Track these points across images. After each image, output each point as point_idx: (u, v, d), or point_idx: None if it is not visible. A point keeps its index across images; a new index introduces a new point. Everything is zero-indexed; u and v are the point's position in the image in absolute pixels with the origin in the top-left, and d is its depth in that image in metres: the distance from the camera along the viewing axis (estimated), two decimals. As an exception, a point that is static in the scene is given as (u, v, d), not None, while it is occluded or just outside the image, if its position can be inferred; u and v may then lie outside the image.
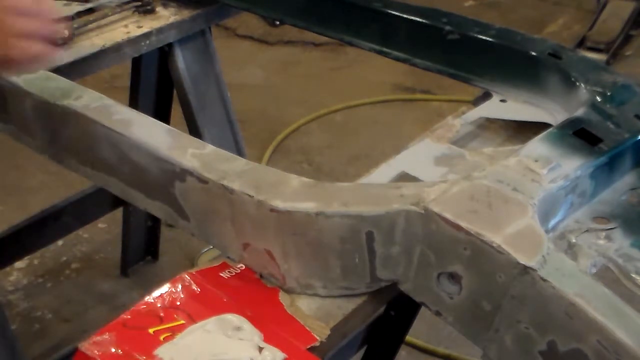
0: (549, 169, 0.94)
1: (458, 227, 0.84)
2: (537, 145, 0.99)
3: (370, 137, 3.16)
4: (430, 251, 0.88)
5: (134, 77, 2.01)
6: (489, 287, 0.83)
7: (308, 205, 0.90)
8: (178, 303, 0.92)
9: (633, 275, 0.89)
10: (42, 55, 0.86)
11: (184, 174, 0.99)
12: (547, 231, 0.91)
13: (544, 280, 0.78)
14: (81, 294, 2.41)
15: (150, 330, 0.88)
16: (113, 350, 0.85)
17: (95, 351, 0.85)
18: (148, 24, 1.62)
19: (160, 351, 0.84)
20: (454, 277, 0.86)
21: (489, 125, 1.22)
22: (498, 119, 1.22)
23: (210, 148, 1.03)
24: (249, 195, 0.92)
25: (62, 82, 1.22)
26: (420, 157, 1.12)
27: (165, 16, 1.66)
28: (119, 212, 2.31)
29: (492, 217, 0.85)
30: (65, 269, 2.51)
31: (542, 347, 0.80)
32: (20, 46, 0.83)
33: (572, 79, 1.16)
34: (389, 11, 1.37)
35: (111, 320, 0.89)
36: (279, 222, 0.91)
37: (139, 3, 1.65)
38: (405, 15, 1.35)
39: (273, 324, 0.89)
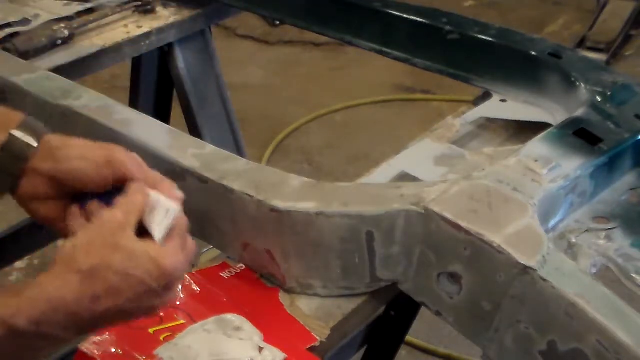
0: (549, 169, 0.94)
1: (458, 227, 0.84)
2: (537, 145, 0.99)
3: (370, 137, 3.16)
4: (430, 251, 0.88)
5: (134, 77, 2.01)
6: (489, 287, 0.83)
7: (308, 205, 0.90)
8: (178, 303, 0.92)
9: (633, 275, 0.89)
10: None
11: (184, 174, 0.99)
12: (547, 231, 0.91)
13: (544, 280, 0.78)
14: (81, 294, 2.41)
15: (150, 330, 0.88)
16: (113, 350, 0.85)
17: (95, 351, 0.85)
18: (148, 24, 1.62)
19: (160, 351, 0.84)
20: (454, 277, 0.86)
21: (489, 125, 1.22)
22: (498, 119, 1.22)
23: (210, 148, 1.03)
24: (249, 195, 0.92)
25: (62, 82, 1.22)
26: (420, 157, 1.12)
27: (165, 16, 1.66)
28: (118, 212, 2.31)
29: (492, 217, 0.85)
30: (65, 269, 2.51)
31: (542, 347, 0.80)
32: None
33: (572, 79, 1.16)
34: (389, 11, 1.37)
35: (111, 320, 0.89)
36: (279, 222, 0.91)
37: (139, 3, 1.65)
38: (405, 15, 1.35)
39: (273, 324, 0.89)
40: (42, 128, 0.83)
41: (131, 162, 0.79)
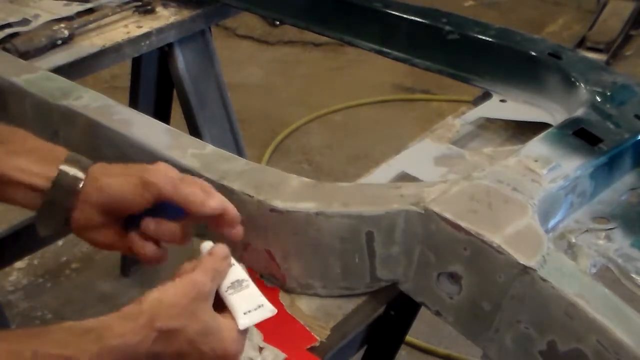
0: (549, 169, 0.94)
1: (458, 227, 0.84)
2: (537, 145, 0.99)
3: (370, 137, 3.16)
4: (430, 251, 0.88)
5: (134, 77, 2.01)
6: (489, 287, 0.83)
7: (308, 205, 0.90)
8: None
9: (633, 275, 0.89)
10: None
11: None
12: (547, 231, 0.91)
13: (544, 280, 0.78)
14: (81, 294, 2.41)
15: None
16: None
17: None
18: (148, 24, 1.62)
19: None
20: (454, 277, 0.86)
21: (489, 125, 1.22)
22: (498, 119, 1.22)
23: (210, 148, 1.02)
24: (249, 195, 0.92)
25: (62, 82, 1.22)
26: (420, 157, 1.12)
27: (165, 16, 1.66)
28: (119, 212, 2.31)
29: (492, 217, 0.85)
30: (65, 269, 2.51)
31: (542, 347, 0.80)
32: None
33: (572, 79, 1.16)
34: (389, 11, 1.37)
35: (111, 320, 0.89)
36: (279, 222, 0.91)
37: (139, 3, 1.65)
38: (405, 15, 1.35)
39: (273, 324, 0.89)
40: (86, 160, 0.87)
41: (164, 182, 0.83)
